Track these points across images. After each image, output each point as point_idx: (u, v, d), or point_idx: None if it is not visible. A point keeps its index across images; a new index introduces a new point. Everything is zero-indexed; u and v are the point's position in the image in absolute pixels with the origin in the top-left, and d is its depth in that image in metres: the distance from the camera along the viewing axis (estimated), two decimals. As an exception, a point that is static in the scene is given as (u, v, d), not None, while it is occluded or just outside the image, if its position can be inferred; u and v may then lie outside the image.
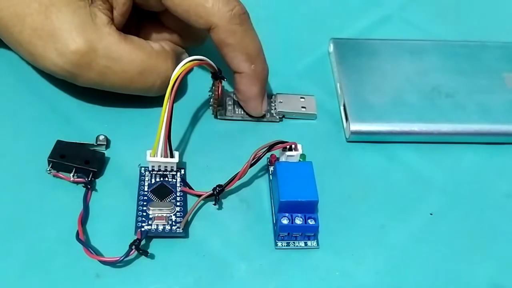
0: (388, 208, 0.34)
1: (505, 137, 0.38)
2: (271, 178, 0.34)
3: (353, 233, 0.33)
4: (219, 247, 0.32)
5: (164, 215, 0.32)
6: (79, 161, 0.33)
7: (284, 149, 0.33)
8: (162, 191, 0.33)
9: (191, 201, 0.33)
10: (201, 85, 0.38)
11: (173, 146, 0.33)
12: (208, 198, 0.33)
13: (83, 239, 0.30)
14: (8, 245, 0.31)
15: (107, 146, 0.35)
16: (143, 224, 0.31)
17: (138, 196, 0.33)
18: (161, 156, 0.33)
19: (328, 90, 0.40)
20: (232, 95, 0.38)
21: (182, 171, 0.34)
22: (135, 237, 0.30)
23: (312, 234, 0.32)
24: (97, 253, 0.30)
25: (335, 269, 0.32)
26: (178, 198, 0.33)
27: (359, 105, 0.38)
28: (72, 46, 0.32)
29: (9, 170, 0.33)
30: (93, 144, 0.35)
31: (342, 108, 0.39)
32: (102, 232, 0.32)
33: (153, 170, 0.34)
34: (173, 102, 0.32)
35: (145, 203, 0.32)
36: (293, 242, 0.32)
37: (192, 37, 0.38)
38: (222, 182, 0.32)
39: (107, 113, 0.37)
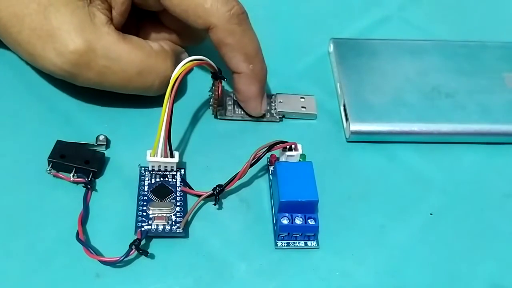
0: (388, 208, 0.34)
1: (505, 137, 0.38)
2: (271, 178, 0.34)
3: (353, 233, 0.33)
4: (219, 247, 0.32)
5: (164, 215, 0.32)
6: (79, 161, 0.33)
7: (284, 149, 0.33)
8: (162, 191, 0.33)
9: (191, 201, 0.33)
10: (201, 85, 0.38)
11: (173, 146, 0.33)
12: (208, 198, 0.33)
13: (83, 239, 0.30)
14: (8, 245, 0.31)
15: (107, 146, 0.35)
16: (143, 224, 0.31)
17: (138, 196, 0.33)
18: (161, 156, 0.33)
19: (328, 90, 0.40)
20: (232, 95, 0.38)
21: (182, 171, 0.34)
22: (135, 237, 0.30)
23: (312, 234, 0.32)
24: (97, 253, 0.30)
25: (335, 269, 0.32)
26: (178, 198, 0.33)
27: (359, 105, 0.38)
28: (71, 46, 0.32)
29: (9, 170, 0.33)
30: (93, 144, 0.35)
31: (342, 108, 0.39)
32: (102, 232, 0.32)
33: (153, 170, 0.34)
34: (173, 102, 0.32)
35: (145, 203, 0.32)
36: (293, 242, 0.32)
37: (192, 36, 0.38)
38: (222, 182, 0.32)
39: (107, 113, 0.37)
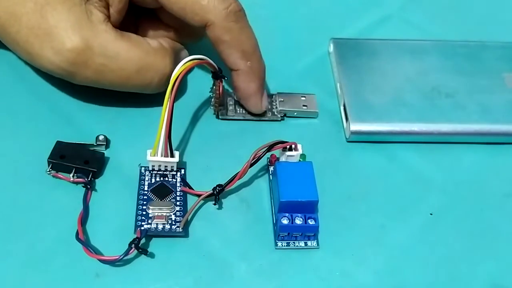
0: (388, 208, 0.34)
1: (505, 137, 0.38)
2: (271, 178, 0.34)
3: (353, 233, 0.33)
4: (219, 247, 0.32)
5: (164, 214, 0.32)
6: (78, 161, 0.33)
7: (284, 149, 0.33)
8: (162, 191, 0.33)
9: (191, 201, 0.33)
10: (201, 85, 0.38)
11: (174, 146, 0.33)
12: (208, 198, 0.33)
13: (82, 238, 0.30)
14: (8, 245, 0.31)
15: (107, 146, 0.35)
16: (143, 223, 0.31)
17: (138, 196, 0.33)
18: (162, 156, 0.33)
19: (328, 90, 0.40)
20: (233, 94, 0.38)
21: (182, 171, 0.34)
22: (135, 236, 0.30)
23: (312, 234, 0.32)
24: (96, 252, 0.30)
25: (335, 269, 0.32)
26: (178, 198, 0.33)
27: (359, 105, 0.38)
28: (68, 44, 0.32)
29: (9, 170, 0.33)
30: (93, 144, 0.34)
31: (342, 108, 0.39)
32: (102, 232, 0.32)
33: (153, 169, 0.34)
34: (174, 102, 0.32)
35: (145, 203, 0.32)
36: (293, 242, 0.32)
37: (191, 33, 0.38)
38: (222, 182, 0.32)
39: (107, 113, 0.37)
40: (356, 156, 0.37)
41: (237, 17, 0.34)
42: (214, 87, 0.36)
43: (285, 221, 0.31)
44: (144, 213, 0.32)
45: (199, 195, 0.32)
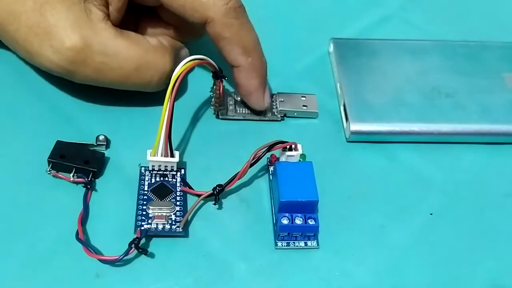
0: (388, 208, 0.34)
1: (505, 137, 0.38)
2: (271, 178, 0.34)
3: (353, 233, 0.33)
4: (219, 247, 0.32)
5: (164, 214, 0.32)
6: (79, 161, 0.33)
7: (284, 149, 0.33)
8: (162, 191, 0.33)
9: (191, 201, 0.33)
10: (202, 85, 0.38)
11: (174, 146, 0.33)
12: (208, 198, 0.33)
13: (82, 238, 0.30)
14: (8, 245, 0.31)
15: (107, 146, 0.35)
16: (143, 223, 0.31)
17: (138, 196, 0.33)
18: (162, 156, 0.33)
19: (328, 90, 0.40)
20: (233, 94, 0.38)
21: (182, 171, 0.34)
22: (135, 236, 0.30)
23: (312, 234, 0.32)
24: (96, 252, 0.30)
25: (335, 269, 0.32)
26: (178, 198, 0.33)
27: (359, 105, 0.38)
28: (67, 42, 0.32)
29: (9, 170, 0.33)
30: (93, 144, 0.34)
31: (342, 108, 0.39)
32: (102, 232, 0.32)
33: (153, 169, 0.34)
34: (174, 102, 0.32)
35: (145, 202, 0.32)
36: (293, 242, 0.32)
37: (191, 31, 0.38)
38: (222, 182, 0.32)
39: (107, 113, 0.37)
40: (356, 156, 0.37)
41: (237, 13, 0.34)
42: (214, 87, 0.36)
43: (285, 221, 0.31)
44: (144, 213, 0.32)
45: (199, 195, 0.32)
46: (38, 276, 0.30)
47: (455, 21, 0.46)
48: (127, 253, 0.30)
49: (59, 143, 0.34)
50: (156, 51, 0.35)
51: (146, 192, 0.33)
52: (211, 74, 0.36)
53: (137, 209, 0.32)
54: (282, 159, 0.34)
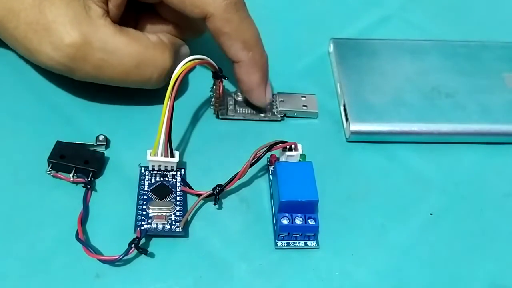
0: (388, 208, 0.34)
1: (505, 137, 0.38)
2: (271, 178, 0.34)
3: (353, 233, 0.33)
4: (219, 247, 0.32)
5: (164, 214, 0.32)
6: (78, 161, 0.33)
7: (284, 149, 0.33)
8: (162, 191, 0.33)
9: (191, 201, 0.33)
10: (202, 84, 0.38)
11: (174, 146, 0.33)
12: (208, 197, 0.33)
13: (82, 238, 0.30)
14: (8, 245, 0.31)
15: (107, 146, 0.35)
16: (143, 223, 0.31)
17: (138, 196, 0.33)
18: (162, 156, 0.33)
19: (328, 90, 0.40)
20: (233, 94, 0.38)
21: (182, 171, 0.34)
22: (135, 236, 0.30)
23: (312, 234, 0.32)
24: (96, 252, 0.30)
25: (335, 269, 0.32)
26: (178, 198, 0.33)
27: (359, 105, 0.38)
28: (66, 39, 0.32)
29: (9, 170, 0.33)
30: (93, 144, 0.34)
31: (342, 108, 0.39)
32: (102, 232, 0.32)
33: (153, 169, 0.34)
34: (174, 101, 0.32)
35: (145, 202, 0.32)
36: (293, 242, 0.32)
37: (191, 28, 0.38)
38: (222, 182, 0.32)
39: (107, 113, 0.37)
40: (356, 156, 0.37)
41: (237, 8, 0.34)
42: (214, 87, 0.36)
43: (285, 221, 0.31)
44: (144, 213, 0.32)
45: (199, 195, 0.32)
46: (38, 276, 0.30)
47: (455, 21, 0.46)
48: (127, 253, 0.30)
49: (59, 143, 0.34)
50: (156, 48, 0.35)
51: (146, 192, 0.33)
52: (211, 74, 0.36)
53: (137, 209, 0.32)
54: (282, 159, 0.34)
